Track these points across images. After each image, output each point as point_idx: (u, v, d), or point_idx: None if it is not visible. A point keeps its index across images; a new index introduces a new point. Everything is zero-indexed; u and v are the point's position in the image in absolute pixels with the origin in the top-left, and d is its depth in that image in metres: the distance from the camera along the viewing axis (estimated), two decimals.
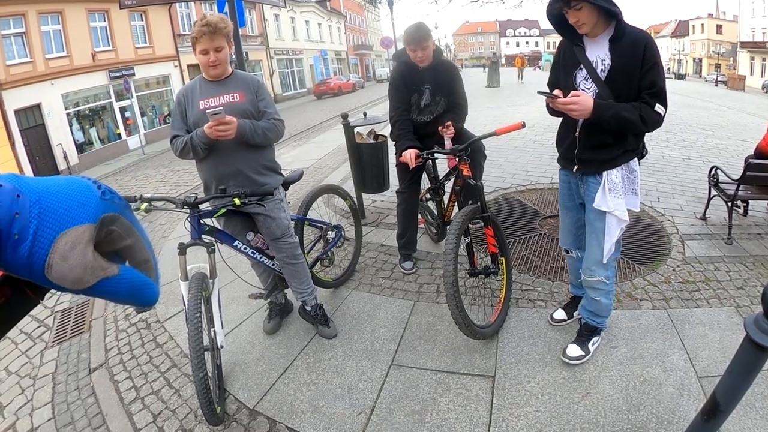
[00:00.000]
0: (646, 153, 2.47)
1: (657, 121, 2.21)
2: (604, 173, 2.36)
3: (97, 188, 0.45)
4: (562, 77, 2.45)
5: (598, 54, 2.26)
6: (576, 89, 2.31)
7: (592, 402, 2.36)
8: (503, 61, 65.08)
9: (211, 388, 2.33)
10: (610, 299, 2.63)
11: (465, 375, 2.64)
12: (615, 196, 2.35)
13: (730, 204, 4.03)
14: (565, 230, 2.79)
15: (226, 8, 6.41)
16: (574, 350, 2.66)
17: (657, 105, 2.18)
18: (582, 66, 2.31)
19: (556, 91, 2.35)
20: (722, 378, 1.44)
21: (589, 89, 2.30)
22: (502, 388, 2.51)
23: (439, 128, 3.35)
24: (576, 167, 2.47)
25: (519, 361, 2.70)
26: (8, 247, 0.39)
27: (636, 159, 2.41)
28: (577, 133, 2.41)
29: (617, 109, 2.18)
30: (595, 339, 2.71)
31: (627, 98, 2.22)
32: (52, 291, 0.44)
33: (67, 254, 0.41)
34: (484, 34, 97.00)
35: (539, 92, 2.39)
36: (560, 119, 2.54)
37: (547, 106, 2.41)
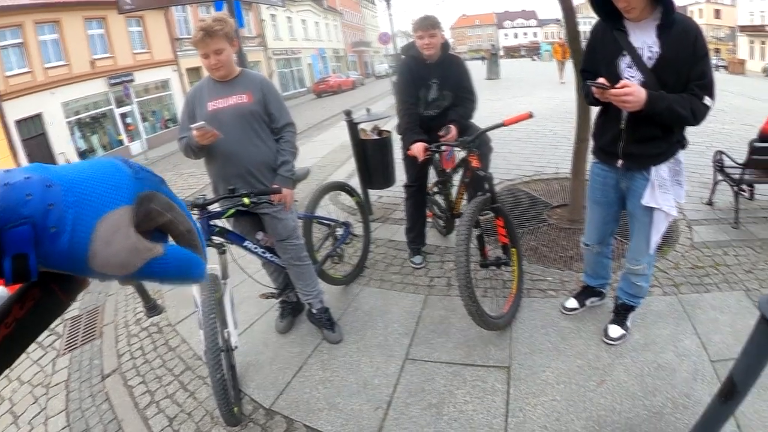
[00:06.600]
0: (687, 143, 2.35)
1: (704, 114, 2.09)
2: (652, 169, 2.27)
3: (128, 167, 0.43)
4: (602, 64, 2.30)
5: (645, 40, 2.12)
6: (619, 77, 2.17)
7: (607, 389, 2.36)
8: (502, 52, 64.48)
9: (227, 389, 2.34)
10: (649, 282, 2.68)
11: (480, 366, 2.65)
12: (663, 192, 2.28)
13: (736, 188, 4.03)
14: (591, 226, 2.73)
15: (225, 8, 6.40)
16: (615, 330, 2.68)
17: (706, 97, 2.07)
18: (625, 52, 2.18)
19: (601, 80, 2.16)
20: (738, 359, 1.44)
21: (633, 78, 2.16)
22: (517, 379, 2.52)
23: (441, 135, 3.29)
24: (621, 162, 2.35)
25: (533, 351, 2.71)
26: (45, 240, 0.37)
27: (681, 150, 2.31)
28: (622, 125, 2.27)
29: (670, 102, 2.06)
30: (630, 315, 2.74)
31: (674, 89, 2.09)
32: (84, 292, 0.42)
33: (110, 239, 0.39)
34: (482, 27, 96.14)
35: (588, 82, 2.21)
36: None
37: (587, 94, 2.30)
